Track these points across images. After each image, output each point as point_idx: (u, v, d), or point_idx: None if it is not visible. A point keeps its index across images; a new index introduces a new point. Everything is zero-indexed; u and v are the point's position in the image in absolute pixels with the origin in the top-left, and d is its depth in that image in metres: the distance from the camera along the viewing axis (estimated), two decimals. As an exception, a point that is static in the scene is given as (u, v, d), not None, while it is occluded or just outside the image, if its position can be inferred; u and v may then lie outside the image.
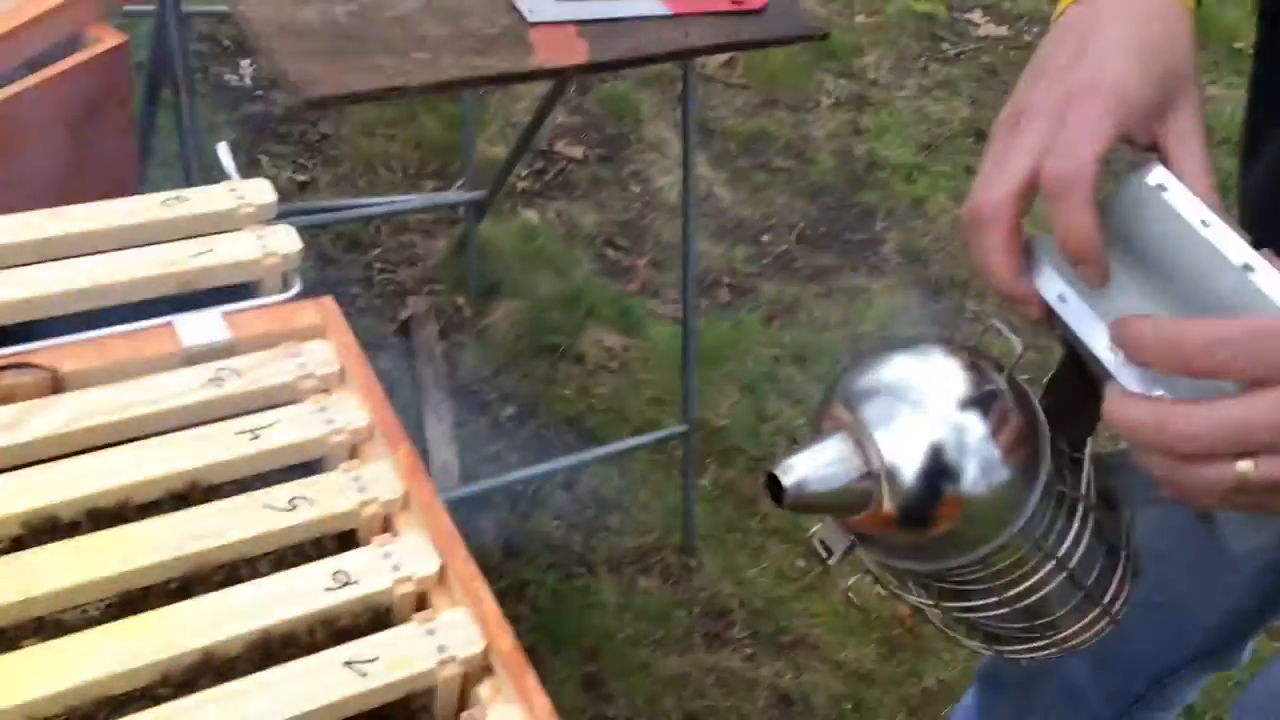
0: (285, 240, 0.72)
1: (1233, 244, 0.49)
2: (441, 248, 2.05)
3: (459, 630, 0.57)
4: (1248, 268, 0.48)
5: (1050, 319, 0.54)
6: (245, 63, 2.30)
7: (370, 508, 0.61)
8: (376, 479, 0.62)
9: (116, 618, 0.55)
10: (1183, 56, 0.54)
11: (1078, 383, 0.54)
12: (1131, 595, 0.62)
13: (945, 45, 2.81)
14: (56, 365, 0.63)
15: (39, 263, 0.67)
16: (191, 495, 0.61)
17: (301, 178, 2.09)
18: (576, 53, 1.05)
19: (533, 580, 1.59)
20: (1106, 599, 0.60)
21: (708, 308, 2.08)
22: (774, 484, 0.54)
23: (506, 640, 0.57)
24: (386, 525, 0.62)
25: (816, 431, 0.56)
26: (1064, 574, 0.57)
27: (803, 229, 2.29)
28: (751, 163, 2.42)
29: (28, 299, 0.65)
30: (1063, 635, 0.61)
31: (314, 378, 0.66)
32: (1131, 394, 0.49)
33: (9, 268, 0.66)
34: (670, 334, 1.96)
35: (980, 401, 0.53)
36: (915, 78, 2.72)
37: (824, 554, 0.60)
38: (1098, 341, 0.51)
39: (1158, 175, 0.52)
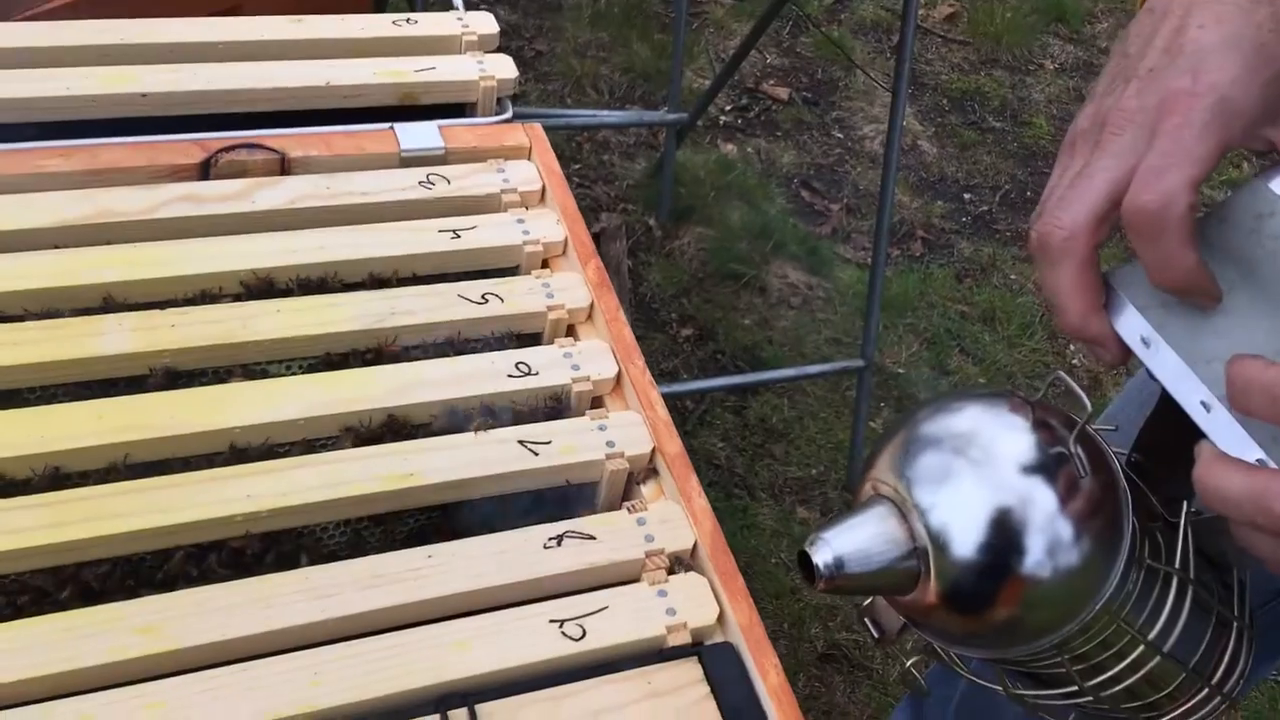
0: (503, 66, 0.74)
1: None
2: (639, 170, 2.07)
3: (630, 429, 0.58)
4: None
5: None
6: (472, -22, 2.37)
7: (556, 312, 0.63)
8: (565, 288, 0.64)
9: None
10: None
11: (1174, 434, 0.44)
12: (1247, 666, 0.52)
13: (1186, 20, 2.66)
14: (285, 150, 0.67)
15: (279, 60, 0.71)
16: (392, 280, 0.64)
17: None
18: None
19: (692, 495, 1.61)
20: (1216, 677, 0.51)
21: (899, 257, 2.03)
22: (806, 562, 0.46)
23: (674, 445, 0.58)
24: (570, 332, 0.64)
25: (856, 499, 0.49)
26: (1158, 657, 0.48)
27: (1008, 191, 2.21)
28: (962, 120, 2.34)
29: (267, 89, 0.70)
30: (1166, 718, 0.52)
31: (516, 193, 0.68)
32: (1226, 459, 0.40)
33: (252, 60, 0.71)
34: (856, 278, 1.93)
35: (1047, 466, 0.45)
36: (1149, 50, 2.58)
37: (874, 633, 0.53)
38: (1187, 393, 0.43)
39: None
